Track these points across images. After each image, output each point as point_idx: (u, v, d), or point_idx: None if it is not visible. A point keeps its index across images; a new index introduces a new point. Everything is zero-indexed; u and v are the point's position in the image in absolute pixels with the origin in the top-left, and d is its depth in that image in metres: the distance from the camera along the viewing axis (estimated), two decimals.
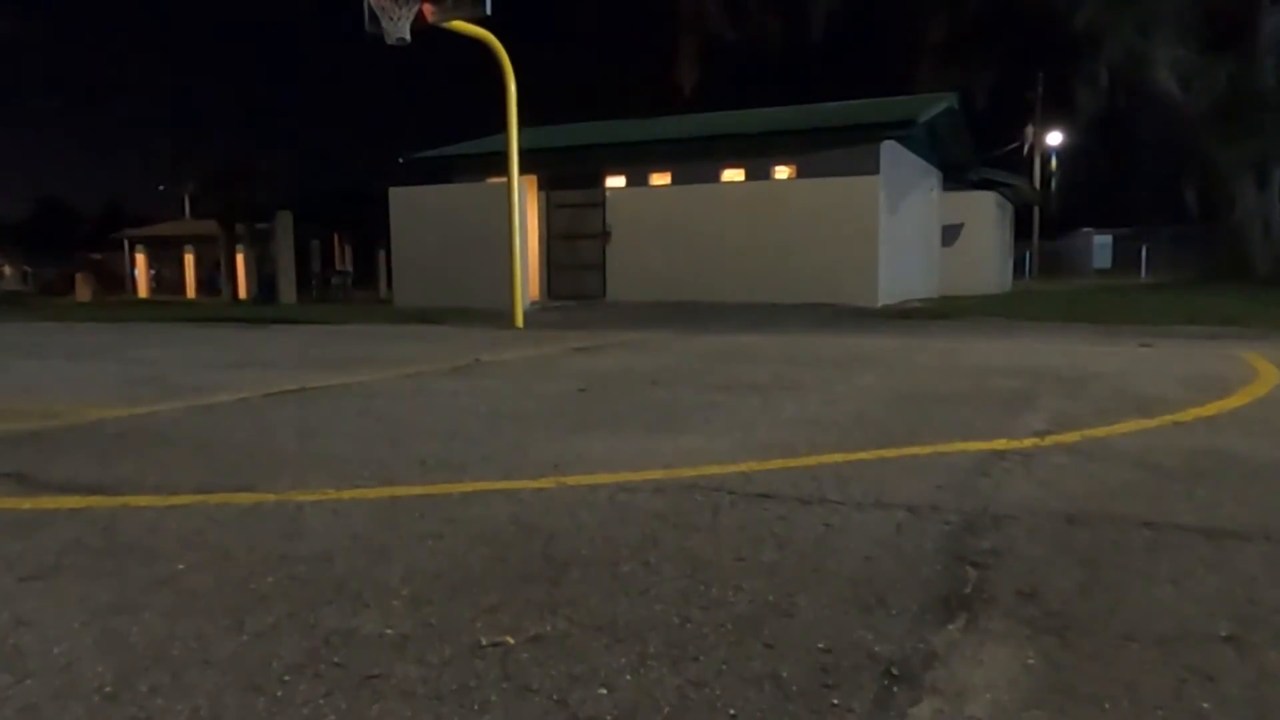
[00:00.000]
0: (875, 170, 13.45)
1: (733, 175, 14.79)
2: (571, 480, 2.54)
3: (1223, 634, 1.47)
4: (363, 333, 9.15)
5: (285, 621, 1.54)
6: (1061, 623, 1.52)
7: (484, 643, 1.45)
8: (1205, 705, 1.24)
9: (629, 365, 5.67)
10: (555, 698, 1.26)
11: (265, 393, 4.40)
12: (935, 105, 15.44)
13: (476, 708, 1.24)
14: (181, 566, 1.83)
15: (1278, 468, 2.65)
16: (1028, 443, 3.02)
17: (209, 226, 25.76)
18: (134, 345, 7.78)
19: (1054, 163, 34.65)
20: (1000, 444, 2.99)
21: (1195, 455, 2.82)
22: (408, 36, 8.56)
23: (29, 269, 37.80)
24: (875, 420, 3.52)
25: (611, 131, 17.05)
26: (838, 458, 2.81)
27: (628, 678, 1.32)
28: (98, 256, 35.52)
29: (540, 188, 15.63)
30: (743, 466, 2.68)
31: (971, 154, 19.11)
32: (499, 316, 10.30)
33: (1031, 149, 33.06)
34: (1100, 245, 40.33)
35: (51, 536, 2.05)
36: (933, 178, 17.61)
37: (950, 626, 1.51)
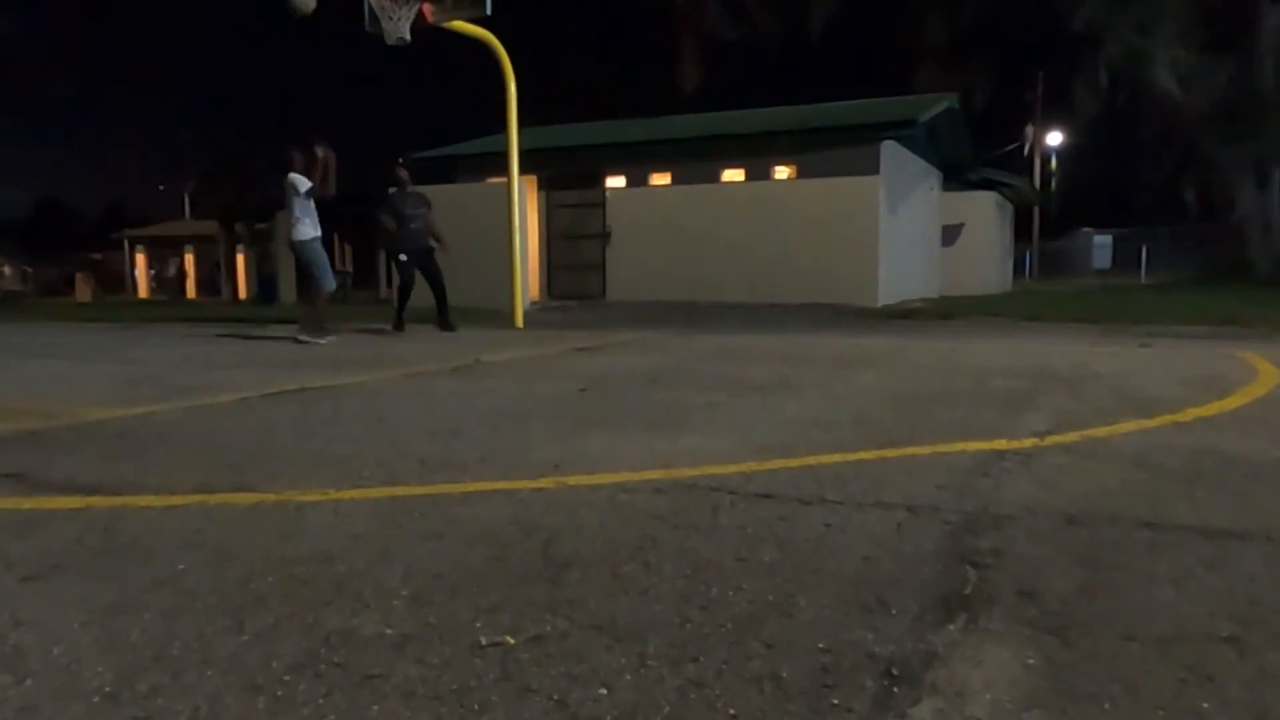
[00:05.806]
0: (875, 170, 13.44)
1: (733, 175, 14.78)
2: (571, 480, 2.54)
3: (1223, 634, 1.47)
4: (363, 332, 9.15)
5: (285, 621, 1.54)
6: (1061, 623, 1.52)
7: (484, 643, 1.45)
8: (1205, 705, 1.24)
9: (629, 365, 5.67)
10: (555, 698, 1.26)
11: (265, 393, 4.40)
12: (935, 105, 15.42)
13: (476, 708, 1.24)
14: (181, 566, 1.83)
15: (1277, 468, 2.66)
16: (1028, 443, 3.02)
17: (209, 226, 25.77)
18: (134, 345, 7.78)
19: (1054, 163, 34.61)
20: (1000, 444, 2.99)
21: (1195, 455, 2.82)
22: (408, 36, 8.56)
23: (29, 269, 37.79)
24: (875, 420, 3.52)
25: (611, 131, 17.03)
26: (838, 458, 2.81)
27: (628, 678, 1.32)
28: (98, 256, 35.55)
29: (540, 188, 15.62)
30: (743, 466, 2.68)
31: (971, 154, 19.09)
32: (499, 316, 10.30)
33: (1031, 149, 33.02)
34: (1100, 245, 40.30)
35: (51, 536, 2.05)
36: (933, 178, 17.60)
37: (950, 626, 1.51)
